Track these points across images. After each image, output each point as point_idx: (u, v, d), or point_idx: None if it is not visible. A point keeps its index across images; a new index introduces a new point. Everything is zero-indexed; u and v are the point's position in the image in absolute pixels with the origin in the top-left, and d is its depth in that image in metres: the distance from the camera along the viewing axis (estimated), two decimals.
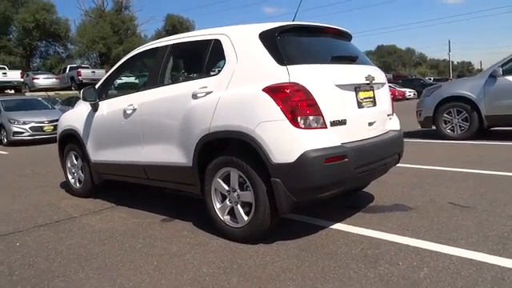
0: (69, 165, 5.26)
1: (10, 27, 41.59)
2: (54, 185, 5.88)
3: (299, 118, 2.88)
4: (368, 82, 3.38)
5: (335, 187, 3.10)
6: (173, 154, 3.64)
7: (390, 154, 3.57)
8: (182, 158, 3.57)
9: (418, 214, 3.74)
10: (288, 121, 2.87)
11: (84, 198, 5.06)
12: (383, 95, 3.71)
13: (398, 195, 4.41)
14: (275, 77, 2.98)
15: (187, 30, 52.19)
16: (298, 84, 2.91)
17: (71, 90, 25.97)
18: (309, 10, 67.35)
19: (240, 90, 3.14)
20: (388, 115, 3.75)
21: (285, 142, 2.89)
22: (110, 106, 4.44)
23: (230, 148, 3.25)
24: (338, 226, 3.53)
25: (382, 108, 3.65)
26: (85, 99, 4.56)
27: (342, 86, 3.14)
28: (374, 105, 3.53)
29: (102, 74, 27.74)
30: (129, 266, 2.94)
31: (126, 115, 4.14)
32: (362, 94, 3.36)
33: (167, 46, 4.03)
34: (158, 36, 52.75)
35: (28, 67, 39.95)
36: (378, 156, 3.38)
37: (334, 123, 3.03)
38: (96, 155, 4.69)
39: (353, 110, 3.25)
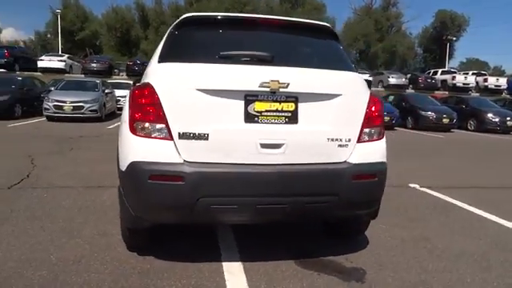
0: None
1: None
2: None
3: (137, 124, 2.49)
4: (267, 89, 2.49)
5: (170, 214, 2.51)
6: None
7: (305, 192, 2.53)
8: None
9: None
10: (128, 125, 2.53)
11: None
12: (329, 111, 2.63)
13: (404, 262, 3.05)
14: (148, 75, 2.68)
15: (459, 27, 47.01)
16: (148, 85, 2.51)
17: None
18: None
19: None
20: (335, 140, 2.64)
21: (124, 148, 2.58)
22: None
23: None
24: (229, 264, 2.84)
25: (313, 128, 2.60)
26: None
27: (212, 92, 2.46)
28: (291, 122, 2.56)
29: None
30: (33, 233, 3.31)
31: None
32: (259, 105, 2.51)
33: None
34: (425, 33, 49.72)
35: None
36: (267, 191, 2.47)
37: (184, 136, 2.44)
38: None
39: (232, 123, 2.49)
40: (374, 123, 2.77)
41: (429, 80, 29.38)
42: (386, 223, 3.90)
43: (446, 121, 15.59)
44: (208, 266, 2.80)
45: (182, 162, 2.43)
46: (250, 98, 2.50)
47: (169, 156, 2.43)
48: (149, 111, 2.46)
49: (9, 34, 68.52)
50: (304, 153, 2.58)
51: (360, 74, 2.89)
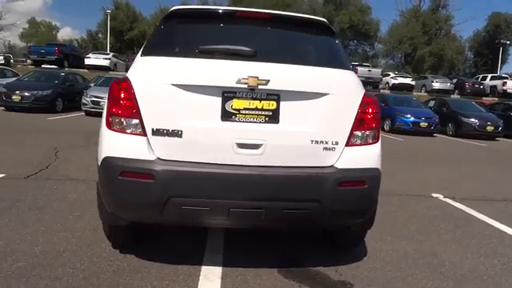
0: None
1: None
2: None
3: (112, 118, 2.43)
4: (245, 85, 2.34)
5: (141, 213, 2.42)
6: None
7: (283, 197, 2.35)
8: None
9: None
10: (105, 119, 2.48)
11: None
12: (314, 111, 2.44)
13: (400, 278, 2.81)
14: (130, 69, 2.62)
15: None
16: (126, 79, 2.44)
17: None
18: None
19: None
20: (319, 142, 2.45)
21: (100, 143, 2.52)
22: None
23: None
24: (208, 268, 2.72)
25: (295, 129, 2.42)
26: None
27: (188, 87, 2.34)
28: (271, 121, 2.39)
29: (378, 74, 27.75)
30: (28, 224, 3.35)
31: None
32: (238, 103, 2.37)
33: None
34: (477, 37, 47.38)
35: None
36: (242, 193, 2.31)
37: (158, 132, 2.35)
38: None
39: (207, 121, 2.36)
40: (367, 126, 2.55)
41: (476, 85, 27.80)
42: (393, 234, 3.64)
43: (490, 128, 14.62)
44: (186, 269, 2.70)
45: (153, 159, 2.33)
46: (227, 94, 2.37)
47: (141, 152, 2.34)
48: (123, 106, 2.39)
49: (65, 33, 72.80)
50: (284, 155, 2.41)
51: (352, 72, 2.67)
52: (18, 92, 13.22)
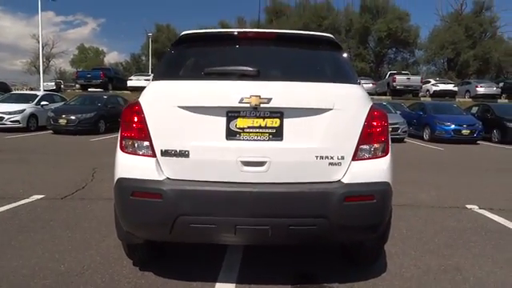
0: None
1: (368, 37, 46.51)
2: None
3: (125, 141, 2.56)
4: (247, 104, 2.39)
5: (152, 232, 2.51)
6: None
7: (289, 214, 2.36)
8: None
9: None
10: (119, 142, 2.62)
11: None
12: (318, 127, 2.44)
13: None
14: (142, 93, 2.76)
15: None
16: (137, 103, 2.57)
17: (385, 95, 26.68)
18: None
19: None
20: (324, 157, 2.44)
21: (115, 164, 2.66)
22: None
23: None
24: (222, 286, 2.76)
25: (299, 145, 2.43)
26: None
27: (193, 109, 2.44)
28: (275, 138, 2.42)
29: (417, 81, 26.88)
30: (58, 243, 3.55)
31: None
32: (242, 122, 2.43)
33: None
34: None
35: (376, 73, 43.79)
36: (247, 211, 2.35)
37: (166, 153, 2.45)
38: None
39: (212, 140, 2.43)
40: (375, 139, 2.52)
41: None
42: (418, 249, 3.53)
43: None
44: (200, 286, 2.76)
45: (163, 179, 2.43)
46: (231, 114, 2.44)
47: (151, 173, 2.45)
48: (134, 129, 2.52)
49: (112, 58, 76.93)
50: (289, 171, 2.43)
51: (358, 86, 2.66)
52: (64, 116, 14.01)
